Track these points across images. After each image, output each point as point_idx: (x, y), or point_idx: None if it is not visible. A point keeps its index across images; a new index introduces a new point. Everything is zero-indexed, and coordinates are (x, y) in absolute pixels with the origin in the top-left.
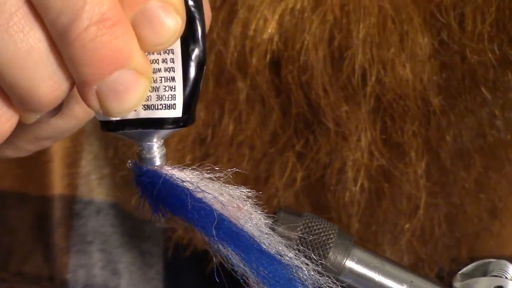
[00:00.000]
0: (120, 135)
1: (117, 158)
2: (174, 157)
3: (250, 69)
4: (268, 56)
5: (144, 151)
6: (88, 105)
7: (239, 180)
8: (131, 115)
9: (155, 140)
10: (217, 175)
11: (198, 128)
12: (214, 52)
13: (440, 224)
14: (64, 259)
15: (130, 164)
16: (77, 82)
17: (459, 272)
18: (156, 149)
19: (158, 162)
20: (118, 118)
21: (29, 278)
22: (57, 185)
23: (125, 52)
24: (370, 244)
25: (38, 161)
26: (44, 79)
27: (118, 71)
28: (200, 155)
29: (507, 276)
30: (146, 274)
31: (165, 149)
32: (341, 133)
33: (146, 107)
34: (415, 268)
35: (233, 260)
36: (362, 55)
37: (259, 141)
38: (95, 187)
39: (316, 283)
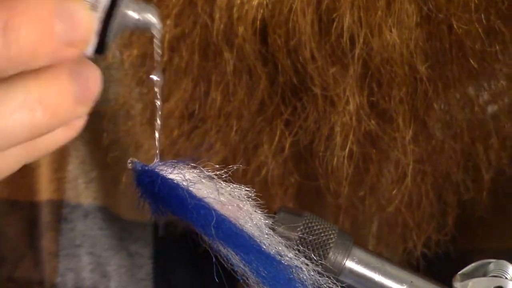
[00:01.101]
0: None
1: (105, 161)
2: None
3: (237, 40)
4: (256, 24)
5: None
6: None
7: (228, 150)
8: None
9: None
10: (217, 173)
11: (185, 102)
12: (199, 25)
13: (428, 193)
14: (53, 263)
15: (130, 164)
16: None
17: (459, 272)
18: None
19: None
20: None
21: (20, 283)
22: (45, 190)
23: None
24: (359, 211)
25: (26, 168)
26: None
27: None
28: (188, 128)
29: (506, 277)
30: (136, 276)
31: None
32: (329, 98)
33: None
34: (403, 236)
35: (233, 260)
36: (349, 17)
37: (247, 111)
38: (82, 191)
39: (316, 283)
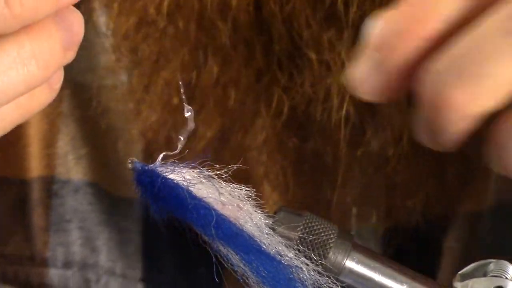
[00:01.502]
0: None
1: (97, 134)
2: (159, 101)
3: (230, 12)
4: None
5: None
6: None
7: (226, 118)
8: None
9: None
10: (217, 173)
11: (182, 73)
12: None
13: (425, 152)
14: (43, 238)
15: (130, 164)
16: None
17: (459, 272)
18: None
19: None
20: None
21: (10, 259)
22: (35, 167)
23: None
24: (356, 172)
25: (16, 146)
26: None
27: None
28: (186, 98)
29: (507, 276)
30: (125, 250)
31: None
32: (324, 63)
33: None
34: (399, 195)
35: (233, 260)
36: None
37: (244, 80)
38: (72, 167)
39: (316, 283)
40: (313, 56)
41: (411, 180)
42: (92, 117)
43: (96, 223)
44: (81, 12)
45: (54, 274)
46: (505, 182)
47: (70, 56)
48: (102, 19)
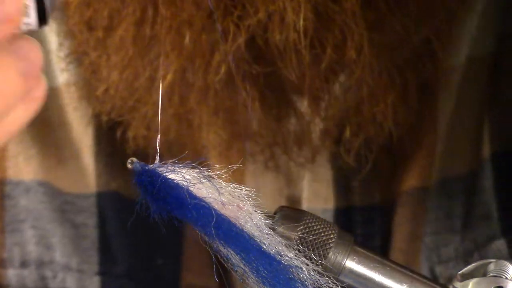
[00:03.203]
0: None
1: (47, 137)
2: (117, 53)
3: None
4: None
5: None
6: None
7: (184, 58)
8: None
9: None
10: (217, 173)
11: (136, 25)
12: None
13: (387, 64)
14: (0, 239)
15: (130, 164)
16: None
17: (459, 272)
18: None
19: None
20: None
21: None
22: None
23: None
24: (322, 82)
25: None
26: None
27: None
28: (142, 46)
29: (507, 276)
30: (80, 245)
31: None
32: None
33: None
34: (367, 106)
35: (233, 260)
36: None
37: (197, 20)
38: (23, 168)
39: (316, 283)
40: None
41: (377, 89)
42: (41, 116)
43: (49, 221)
44: None
45: (12, 274)
46: (447, 158)
47: (33, 83)
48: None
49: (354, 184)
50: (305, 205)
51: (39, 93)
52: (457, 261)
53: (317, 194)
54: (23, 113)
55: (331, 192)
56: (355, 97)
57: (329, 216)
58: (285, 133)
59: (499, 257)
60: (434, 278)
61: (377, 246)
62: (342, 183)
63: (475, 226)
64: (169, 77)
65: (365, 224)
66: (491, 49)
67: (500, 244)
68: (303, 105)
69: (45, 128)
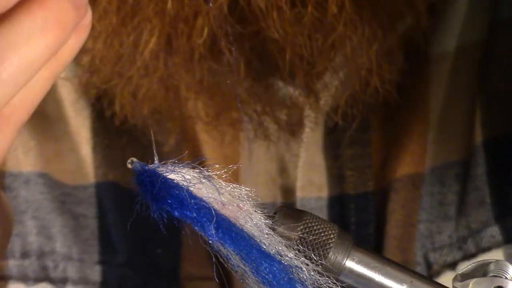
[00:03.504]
0: None
1: (45, 129)
2: (100, 22)
3: None
4: None
5: None
6: None
7: (167, 24)
8: None
9: None
10: (217, 173)
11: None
12: None
13: (369, 21)
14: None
15: (130, 164)
16: None
17: (459, 273)
18: None
19: None
20: None
21: None
22: None
23: None
24: (305, 39)
25: None
26: None
27: None
28: (124, 14)
29: (507, 277)
30: (81, 236)
31: None
32: None
33: None
34: (351, 57)
35: (233, 260)
36: None
37: None
38: (22, 160)
39: (316, 283)
40: None
41: (360, 44)
42: (39, 109)
43: (49, 211)
44: None
45: (13, 265)
46: (440, 146)
47: (83, 11)
48: None
49: (347, 173)
50: (299, 195)
51: (87, 21)
52: (451, 248)
53: (311, 183)
54: (75, 42)
55: (325, 181)
56: (339, 55)
57: (323, 205)
58: (273, 100)
59: (493, 243)
60: (428, 265)
61: (371, 233)
62: (335, 171)
63: (469, 213)
64: (152, 42)
65: (358, 212)
66: (483, 36)
67: (494, 230)
68: (288, 66)
69: (43, 121)
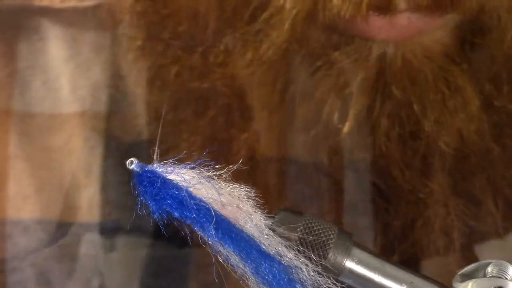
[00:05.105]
0: None
1: (40, 179)
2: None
3: None
4: None
5: None
6: None
7: None
8: None
9: None
10: (217, 173)
11: None
12: None
13: None
14: (1, 279)
15: (130, 164)
16: None
17: (459, 273)
18: None
19: None
20: None
21: None
22: None
23: None
24: None
25: None
26: None
27: None
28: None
29: (507, 277)
30: (80, 279)
31: None
32: None
33: None
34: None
35: (233, 260)
36: None
37: None
38: (22, 207)
39: (316, 284)
40: None
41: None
42: (38, 153)
43: (47, 257)
44: None
45: None
46: None
47: None
48: None
49: None
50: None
51: None
52: None
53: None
54: None
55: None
56: None
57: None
58: None
59: None
60: None
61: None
62: None
63: None
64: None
65: None
66: None
67: None
68: None
69: (43, 164)
